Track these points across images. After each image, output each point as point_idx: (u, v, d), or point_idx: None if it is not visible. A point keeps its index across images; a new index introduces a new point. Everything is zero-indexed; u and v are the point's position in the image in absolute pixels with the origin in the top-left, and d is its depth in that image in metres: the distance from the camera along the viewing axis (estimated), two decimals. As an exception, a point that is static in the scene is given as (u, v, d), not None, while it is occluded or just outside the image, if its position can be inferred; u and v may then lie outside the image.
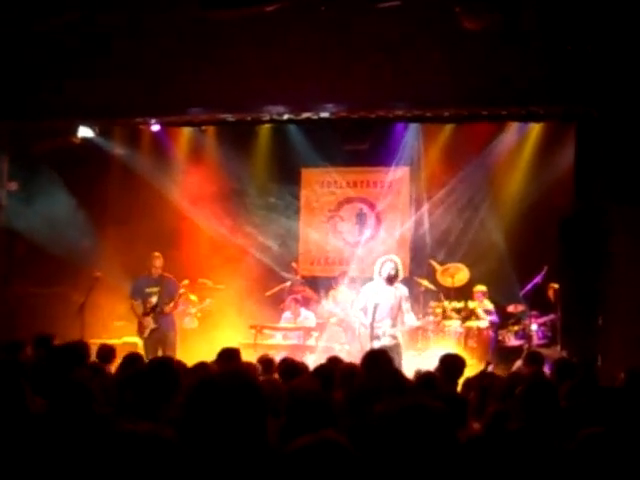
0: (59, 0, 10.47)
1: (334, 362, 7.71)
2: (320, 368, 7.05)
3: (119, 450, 2.14)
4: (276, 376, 7.01)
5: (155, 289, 12.53)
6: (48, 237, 13.21)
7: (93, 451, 2.15)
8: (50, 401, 4.10)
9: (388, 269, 11.21)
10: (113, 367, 8.08)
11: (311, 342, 12.65)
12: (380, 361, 6.59)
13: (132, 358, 7.36)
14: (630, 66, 10.27)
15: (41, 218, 13.21)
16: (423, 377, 6.07)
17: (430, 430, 3.81)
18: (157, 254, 12.76)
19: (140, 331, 12.53)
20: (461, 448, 4.13)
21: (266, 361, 7.74)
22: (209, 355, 8.04)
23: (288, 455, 2.60)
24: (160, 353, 11.95)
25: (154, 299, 12.46)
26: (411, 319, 11.42)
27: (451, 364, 7.39)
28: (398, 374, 6.01)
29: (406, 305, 11.33)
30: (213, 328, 13.22)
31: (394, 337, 11.05)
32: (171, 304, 12.57)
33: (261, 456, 2.73)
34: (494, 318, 13.27)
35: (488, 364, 8.27)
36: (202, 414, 2.76)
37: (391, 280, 11.18)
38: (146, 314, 12.46)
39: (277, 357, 8.69)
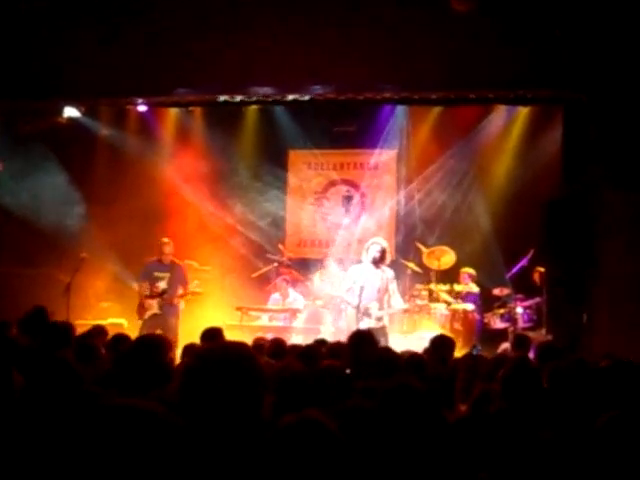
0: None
1: (320, 344, 7.76)
2: (305, 349, 7.08)
3: (107, 424, 2.13)
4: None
5: (165, 274, 12.55)
6: (34, 217, 13.19)
7: (81, 426, 2.14)
8: (32, 380, 4.08)
9: (374, 251, 11.23)
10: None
11: (297, 324, 12.68)
12: (366, 341, 6.61)
13: (119, 338, 7.38)
14: (618, 50, 10.28)
15: (27, 198, 13.19)
16: (410, 358, 6.08)
17: (414, 410, 3.84)
18: (167, 240, 12.82)
19: (140, 312, 12.51)
20: (448, 429, 4.16)
21: (258, 344, 7.74)
22: (196, 336, 8.06)
23: (272, 433, 2.61)
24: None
25: (162, 284, 12.48)
26: (398, 302, 11.46)
27: (440, 345, 7.43)
28: (389, 352, 6.02)
29: (392, 287, 11.35)
30: (200, 309, 13.20)
31: (380, 319, 11.09)
32: (180, 292, 12.60)
33: (255, 429, 2.74)
34: (472, 304, 13.28)
35: (474, 347, 8.31)
36: (201, 386, 2.76)
37: (377, 262, 11.20)
38: (151, 297, 12.46)
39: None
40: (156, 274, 12.58)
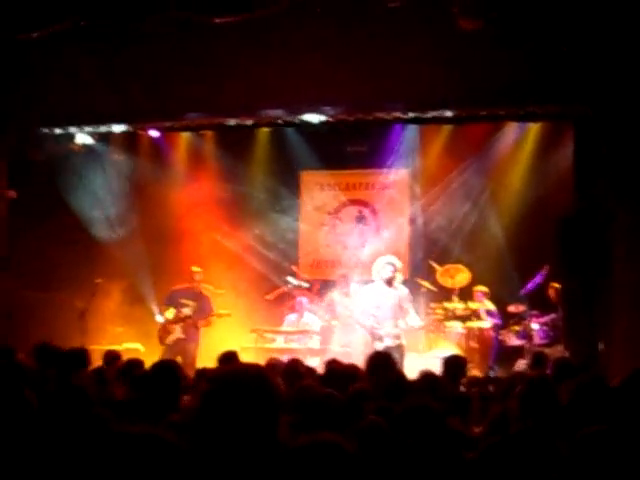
0: (57, 7, 10.45)
1: (333, 364, 7.74)
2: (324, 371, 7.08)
3: (117, 451, 2.13)
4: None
5: (191, 302, 12.70)
6: (48, 243, 13.23)
7: (91, 452, 2.14)
8: (45, 404, 4.08)
9: (387, 271, 11.24)
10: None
11: (313, 345, 12.66)
12: (384, 363, 6.60)
13: (133, 363, 7.38)
14: (625, 65, 10.28)
15: (41, 224, 13.23)
16: (425, 378, 6.06)
17: (431, 431, 3.83)
18: (197, 269, 13.06)
19: (162, 337, 12.66)
20: (467, 450, 4.13)
21: (272, 365, 7.73)
22: (213, 360, 8.06)
23: (287, 454, 2.61)
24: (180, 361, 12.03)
25: (187, 310, 12.59)
26: (414, 319, 11.45)
27: (453, 365, 7.41)
28: (400, 376, 6.01)
29: (407, 305, 11.34)
30: (214, 333, 13.20)
31: (397, 337, 11.07)
32: (204, 321, 12.69)
33: (272, 451, 2.73)
34: (496, 320, 13.24)
35: (491, 368, 8.24)
36: (217, 410, 2.75)
37: (390, 282, 11.20)
38: (175, 322, 12.57)
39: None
40: (183, 301, 12.71)
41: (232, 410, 2.75)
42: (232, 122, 13.01)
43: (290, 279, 14.03)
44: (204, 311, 12.76)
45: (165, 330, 12.69)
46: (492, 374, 7.66)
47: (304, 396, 4.53)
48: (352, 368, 7.34)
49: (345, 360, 8.82)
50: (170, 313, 12.71)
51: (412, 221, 14.87)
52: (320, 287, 14.38)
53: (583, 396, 4.72)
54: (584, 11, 9.92)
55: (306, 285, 14.05)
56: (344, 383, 6.22)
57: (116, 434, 2.23)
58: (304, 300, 13.48)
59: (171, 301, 12.85)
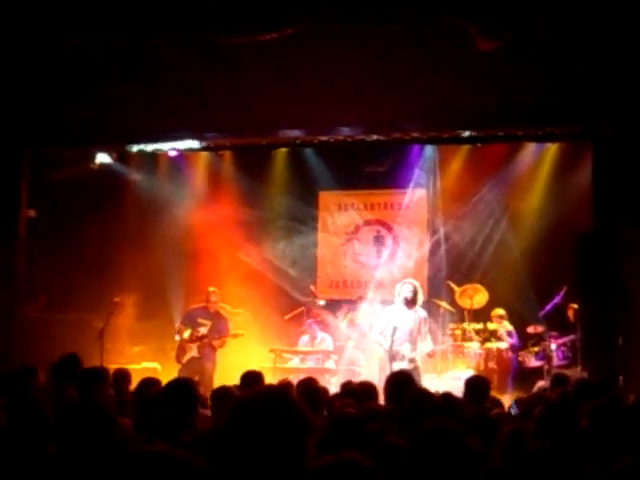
0: (77, 25, 10.53)
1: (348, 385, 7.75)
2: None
3: (136, 470, 2.13)
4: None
5: (207, 322, 12.80)
6: (67, 263, 13.28)
7: (111, 473, 2.14)
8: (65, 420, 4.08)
9: (406, 292, 11.24)
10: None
11: (330, 365, 12.64)
12: (404, 383, 6.56)
13: (149, 382, 7.38)
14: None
15: (60, 244, 13.28)
16: (445, 399, 6.02)
17: (449, 453, 3.80)
18: (213, 289, 13.13)
19: (179, 356, 12.75)
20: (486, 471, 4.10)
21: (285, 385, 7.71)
22: (230, 378, 8.04)
23: (309, 473, 2.60)
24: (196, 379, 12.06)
25: (203, 330, 12.65)
26: (425, 344, 11.42)
27: (474, 385, 7.36)
28: (427, 394, 5.96)
29: (424, 329, 11.33)
30: (232, 352, 13.21)
31: (412, 361, 11.05)
32: (219, 341, 12.69)
33: (300, 475, 2.71)
34: (515, 341, 13.19)
35: (511, 406, 8.08)
36: (244, 433, 2.73)
37: (409, 303, 11.19)
38: (192, 341, 12.63)
39: (295, 380, 8.66)
40: (199, 320, 12.81)
41: (259, 433, 2.73)
42: (250, 142, 13.05)
43: (302, 297, 14.07)
44: (220, 331, 12.80)
45: (182, 349, 12.77)
46: (514, 412, 7.50)
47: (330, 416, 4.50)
48: (368, 386, 7.33)
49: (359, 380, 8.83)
50: (187, 332, 12.77)
51: (430, 241, 14.85)
52: (338, 307, 14.38)
53: (601, 419, 4.69)
54: (603, 31, 9.91)
55: (317, 303, 14.09)
56: (359, 400, 6.22)
57: (135, 454, 2.23)
58: (314, 324, 13.48)
59: (189, 320, 12.92)
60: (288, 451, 2.73)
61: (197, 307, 13.11)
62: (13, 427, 4.19)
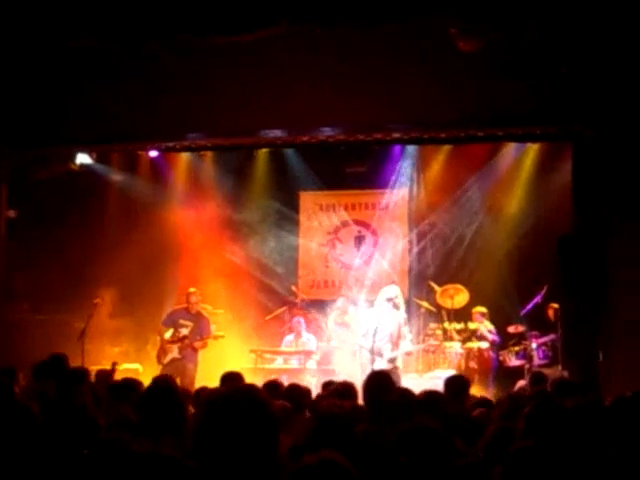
0: (58, 29, 10.49)
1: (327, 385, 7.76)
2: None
3: (124, 470, 2.13)
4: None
5: (189, 323, 12.77)
6: (47, 263, 13.24)
7: (99, 472, 2.14)
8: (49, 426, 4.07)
9: (388, 296, 11.31)
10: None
11: (311, 365, 12.64)
12: (383, 382, 6.57)
13: (130, 383, 7.34)
14: (624, 85, 10.32)
15: (40, 244, 13.24)
16: (426, 397, 6.02)
17: (432, 452, 3.82)
18: (193, 290, 13.10)
19: (160, 357, 12.72)
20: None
21: (273, 385, 7.67)
22: (211, 379, 8.04)
23: (290, 473, 2.61)
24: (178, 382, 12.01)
25: (184, 331, 12.64)
26: (406, 344, 11.49)
27: (453, 384, 7.38)
28: (407, 393, 5.96)
29: (404, 330, 11.38)
30: (213, 353, 13.20)
31: (392, 361, 11.09)
32: (200, 343, 12.68)
33: (271, 472, 2.72)
34: (496, 338, 13.25)
35: None
36: (214, 431, 2.75)
37: (393, 305, 11.24)
38: (172, 342, 12.61)
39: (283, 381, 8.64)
40: (181, 321, 12.80)
41: (228, 431, 2.74)
42: (231, 142, 13.04)
43: (283, 297, 14.11)
44: (201, 332, 12.77)
45: (163, 350, 12.74)
46: None
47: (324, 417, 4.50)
48: (347, 386, 7.34)
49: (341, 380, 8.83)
50: (168, 333, 12.75)
51: (411, 241, 14.88)
52: (319, 307, 14.41)
53: (581, 418, 4.71)
54: (584, 32, 9.96)
55: (299, 303, 14.13)
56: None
57: (126, 454, 2.23)
58: (301, 320, 13.48)
59: (170, 321, 12.90)
60: (257, 448, 2.75)
61: (178, 308, 13.09)
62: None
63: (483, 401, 7.76)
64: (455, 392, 7.13)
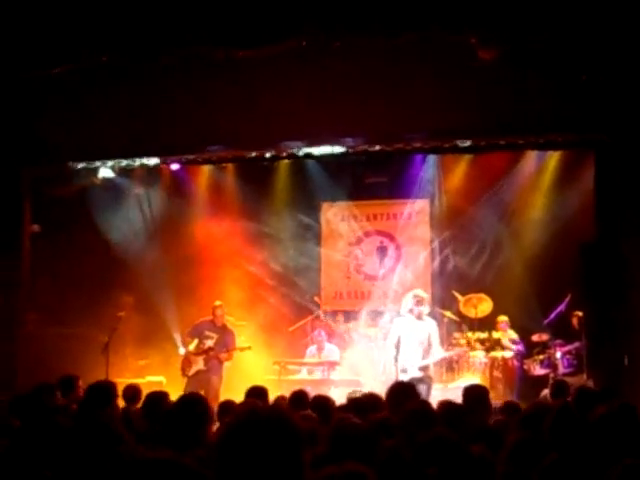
0: (76, 44, 10.57)
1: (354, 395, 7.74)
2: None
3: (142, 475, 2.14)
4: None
5: (214, 335, 12.81)
6: (71, 278, 13.32)
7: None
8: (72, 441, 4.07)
9: (412, 302, 11.24)
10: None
11: (335, 376, 12.61)
12: (405, 394, 6.55)
13: (157, 396, 7.36)
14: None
15: (64, 259, 13.32)
16: (445, 409, 5.98)
17: (452, 461, 3.81)
18: (219, 303, 13.13)
19: (185, 368, 12.72)
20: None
21: (299, 396, 7.66)
22: (235, 391, 8.04)
23: None
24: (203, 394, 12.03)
25: (210, 342, 12.66)
26: (438, 351, 11.43)
27: (471, 394, 7.27)
28: (426, 406, 5.94)
29: (434, 338, 11.32)
30: (237, 365, 13.21)
31: (423, 369, 11.02)
32: (226, 354, 12.72)
33: None
34: (521, 348, 13.19)
35: None
36: (237, 454, 2.74)
37: (418, 315, 11.19)
38: (198, 354, 12.64)
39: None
40: (206, 333, 12.82)
41: (252, 451, 2.74)
42: (253, 155, 13.08)
43: (306, 308, 14.10)
44: (226, 344, 12.78)
45: (187, 361, 12.75)
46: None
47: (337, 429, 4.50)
48: (372, 398, 7.31)
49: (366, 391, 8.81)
50: (193, 344, 12.78)
51: (434, 251, 14.85)
52: (342, 318, 14.40)
53: (611, 425, 4.67)
54: (603, 40, 9.93)
55: (322, 314, 14.12)
56: (364, 412, 6.20)
57: (141, 461, 2.24)
58: (322, 333, 13.47)
59: (195, 333, 12.92)
60: (285, 468, 2.74)
61: (204, 320, 13.10)
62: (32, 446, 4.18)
63: (508, 405, 7.68)
64: (473, 402, 7.04)
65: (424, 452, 3.83)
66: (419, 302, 11.27)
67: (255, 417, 2.84)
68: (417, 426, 4.80)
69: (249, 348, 12.96)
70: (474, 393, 7.34)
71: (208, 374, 12.61)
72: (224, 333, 12.89)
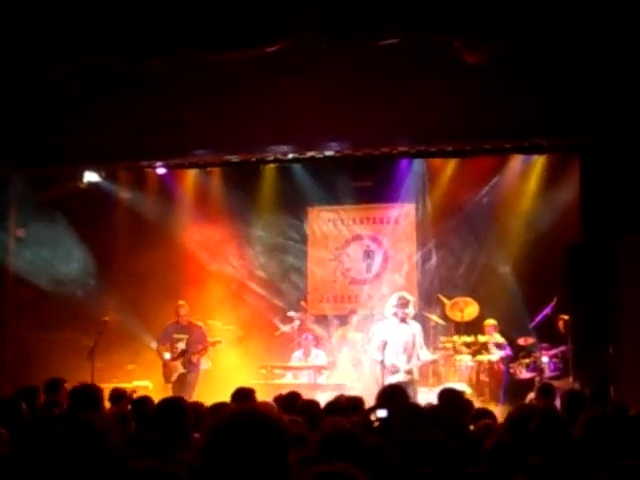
0: (61, 48, 10.53)
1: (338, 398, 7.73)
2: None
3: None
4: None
5: (183, 336, 12.85)
6: (56, 282, 13.26)
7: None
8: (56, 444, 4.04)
9: (396, 305, 11.24)
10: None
11: (322, 380, 12.60)
12: (396, 396, 6.54)
13: (142, 401, 7.34)
14: (630, 96, 10.31)
15: (49, 264, 13.27)
16: (431, 412, 5.98)
17: (444, 466, 3.81)
18: (182, 302, 13.19)
19: (166, 375, 12.82)
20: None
21: (290, 399, 7.63)
22: (220, 396, 8.02)
23: None
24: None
25: (181, 345, 12.71)
26: (425, 354, 11.44)
27: (446, 398, 7.17)
28: (415, 408, 5.94)
29: (419, 340, 11.34)
30: (223, 369, 13.19)
31: (409, 372, 11.04)
32: (199, 354, 12.78)
33: None
34: (507, 352, 13.21)
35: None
36: (224, 454, 2.73)
37: (402, 317, 11.19)
38: (174, 359, 12.65)
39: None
40: (175, 335, 12.90)
41: (239, 451, 2.73)
42: (239, 159, 13.07)
43: (293, 313, 14.06)
44: (197, 342, 12.85)
45: (167, 368, 12.83)
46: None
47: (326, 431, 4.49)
48: (354, 400, 7.30)
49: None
50: (167, 354, 12.82)
51: (420, 255, 14.87)
52: (329, 322, 14.40)
53: (600, 428, 4.67)
54: (590, 42, 9.96)
55: (308, 318, 14.10)
56: (346, 414, 6.20)
57: (127, 469, 2.23)
58: (310, 337, 13.46)
59: (165, 337, 12.99)
60: (271, 469, 2.73)
61: (169, 324, 13.14)
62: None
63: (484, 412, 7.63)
64: (449, 406, 6.95)
65: (415, 453, 3.83)
66: (404, 304, 11.29)
67: (240, 419, 2.83)
68: (408, 428, 4.80)
69: (219, 342, 13.04)
70: (450, 396, 7.28)
71: (190, 375, 12.68)
72: (192, 331, 12.96)
